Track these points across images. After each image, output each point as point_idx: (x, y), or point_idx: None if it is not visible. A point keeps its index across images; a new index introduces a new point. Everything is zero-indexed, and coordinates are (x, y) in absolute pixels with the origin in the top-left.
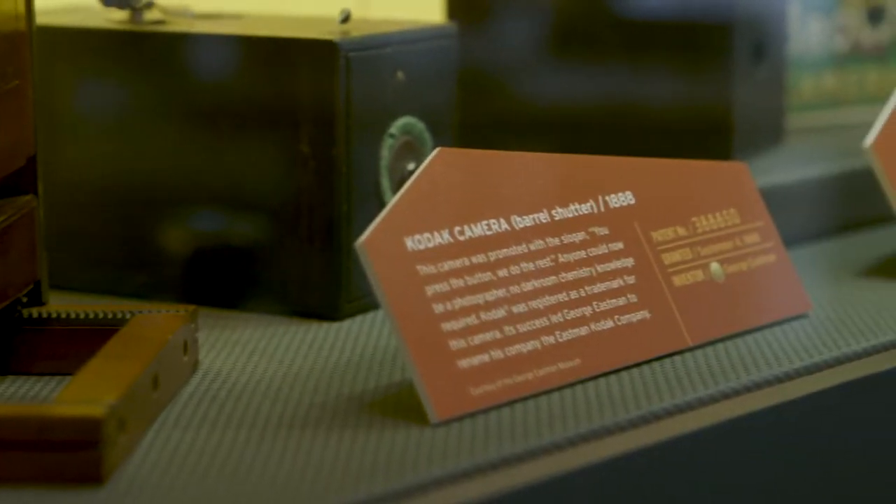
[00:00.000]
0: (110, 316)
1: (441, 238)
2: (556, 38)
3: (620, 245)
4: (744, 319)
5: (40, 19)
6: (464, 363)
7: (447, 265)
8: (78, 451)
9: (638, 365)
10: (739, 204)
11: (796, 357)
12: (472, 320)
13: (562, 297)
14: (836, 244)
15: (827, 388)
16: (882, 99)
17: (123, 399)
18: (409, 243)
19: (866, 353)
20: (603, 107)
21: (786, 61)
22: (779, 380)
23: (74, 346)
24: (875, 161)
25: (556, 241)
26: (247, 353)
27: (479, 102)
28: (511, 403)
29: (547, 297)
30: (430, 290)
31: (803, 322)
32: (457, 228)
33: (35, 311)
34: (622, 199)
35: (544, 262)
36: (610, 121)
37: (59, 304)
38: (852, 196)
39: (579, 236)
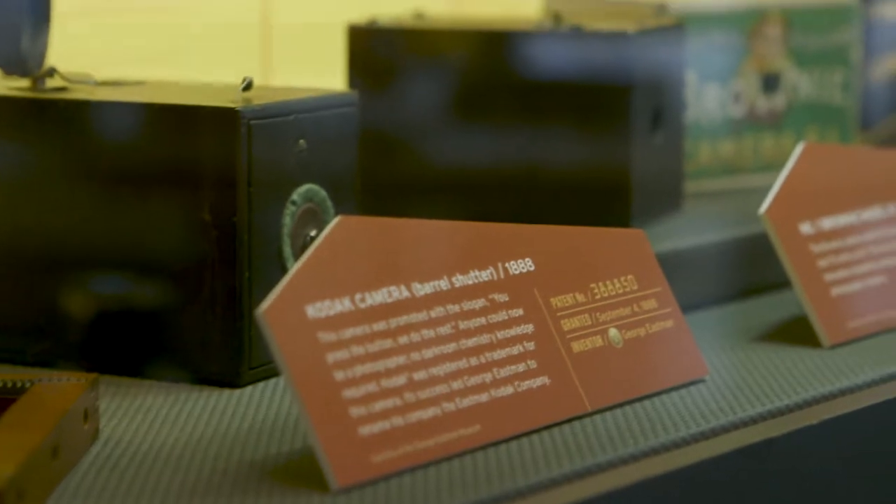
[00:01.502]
0: (10, 385)
1: (342, 306)
2: (459, 101)
3: (520, 312)
4: (642, 384)
5: None
6: (364, 430)
7: (348, 333)
8: None
9: (538, 431)
10: (637, 270)
11: (693, 422)
12: (372, 387)
13: (462, 363)
14: (733, 309)
15: (724, 452)
16: (777, 166)
17: (22, 469)
18: (310, 311)
19: (762, 418)
20: (504, 170)
21: (683, 128)
22: (676, 445)
23: None
24: (770, 228)
25: (457, 308)
26: (148, 420)
27: (383, 166)
28: (412, 470)
29: (447, 364)
30: (331, 357)
31: (700, 387)
32: (358, 296)
33: None
34: (522, 265)
35: (445, 329)
36: (511, 183)
37: None
38: (749, 262)
39: (479, 303)
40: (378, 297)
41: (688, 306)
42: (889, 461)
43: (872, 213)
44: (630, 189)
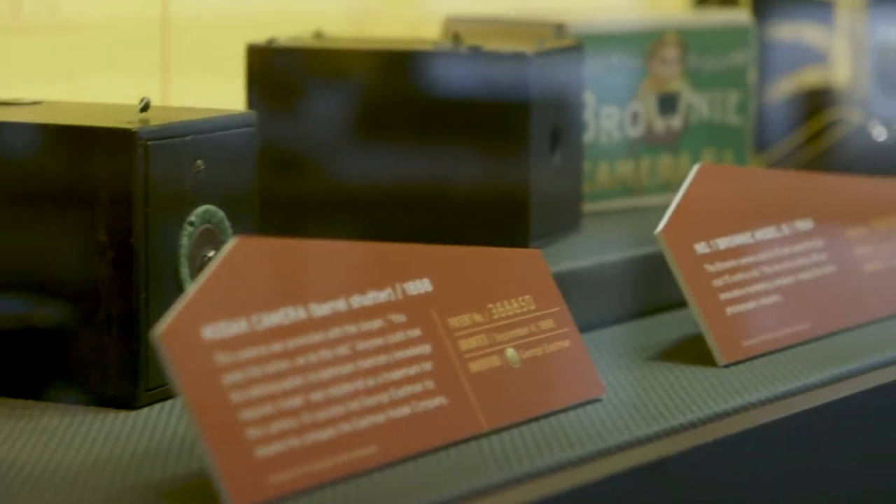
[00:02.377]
0: None
1: (239, 327)
2: (359, 120)
3: (418, 332)
4: (539, 404)
5: None
6: (261, 452)
7: (245, 354)
8: None
9: (435, 450)
10: (535, 290)
11: (589, 441)
12: (269, 409)
13: (359, 384)
14: (630, 328)
15: (619, 471)
16: (675, 186)
17: None
18: (206, 333)
19: (657, 437)
20: (405, 189)
21: (582, 148)
22: (572, 463)
23: None
24: (666, 247)
25: (355, 328)
26: (43, 442)
27: (285, 186)
28: (309, 491)
29: (345, 385)
30: (227, 379)
31: (597, 406)
32: (255, 317)
33: None
34: (420, 286)
35: (342, 350)
36: (412, 203)
37: None
38: (646, 281)
39: (377, 324)
40: (275, 318)
41: (586, 326)
42: (781, 479)
43: (766, 232)
44: (529, 209)
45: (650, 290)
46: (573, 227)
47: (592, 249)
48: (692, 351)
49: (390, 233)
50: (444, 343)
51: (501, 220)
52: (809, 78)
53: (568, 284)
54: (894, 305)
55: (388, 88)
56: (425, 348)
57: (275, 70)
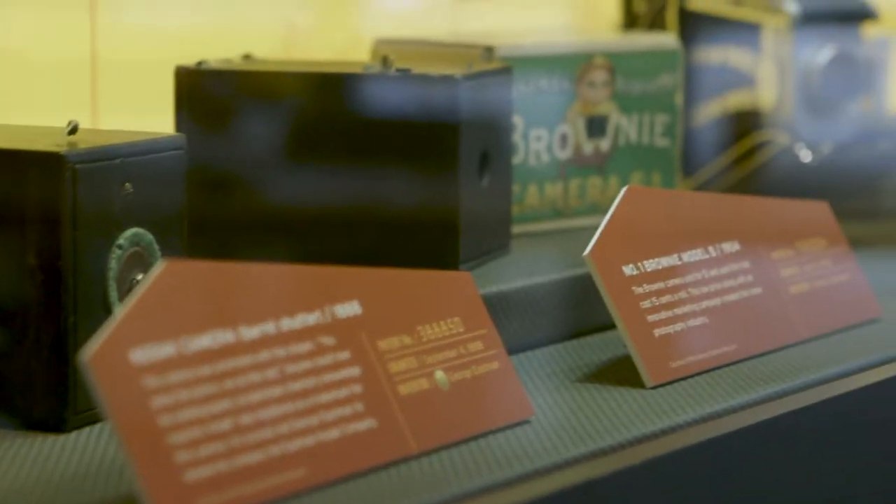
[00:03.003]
0: None
1: (167, 350)
2: (290, 142)
3: (347, 355)
4: (468, 426)
5: None
6: (190, 475)
7: (173, 377)
8: None
9: (365, 473)
10: (463, 312)
11: (517, 462)
12: (197, 432)
13: (288, 407)
14: (559, 350)
15: (548, 492)
16: (603, 208)
17: None
18: (134, 356)
19: (585, 458)
20: (336, 211)
21: (511, 171)
22: (501, 485)
23: None
24: (594, 269)
25: (284, 351)
26: None
27: (215, 208)
28: None
29: (274, 408)
30: (156, 402)
31: (526, 427)
32: (183, 340)
33: None
34: (349, 309)
35: (271, 373)
36: (343, 224)
37: None
38: (575, 303)
39: (306, 347)
40: (204, 341)
41: (515, 347)
42: (708, 500)
43: (694, 254)
44: (459, 231)
45: (579, 311)
46: (503, 248)
47: (522, 271)
48: (621, 372)
49: (321, 255)
50: (373, 366)
51: (431, 242)
52: (737, 101)
53: (498, 306)
54: (819, 326)
55: (318, 111)
56: (354, 371)
57: (204, 92)
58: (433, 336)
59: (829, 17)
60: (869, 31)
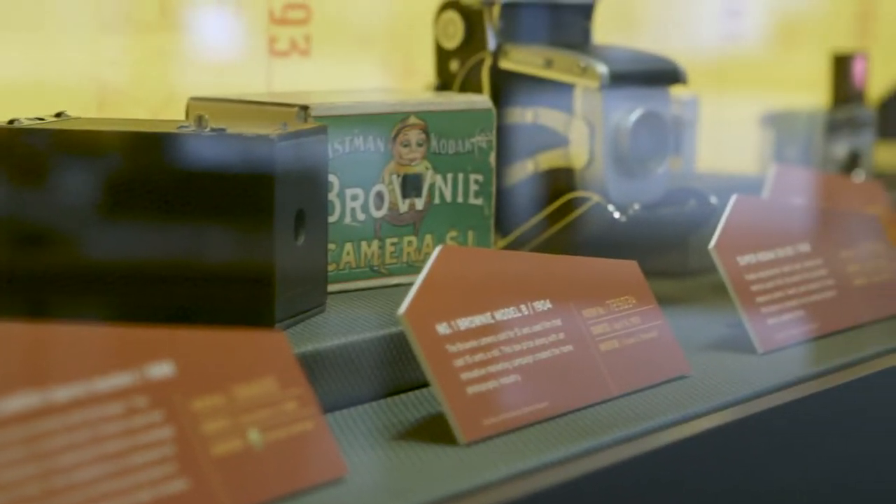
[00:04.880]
0: None
1: None
2: (104, 200)
3: (159, 416)
4: (283, 485)
5: None
6: None
7: None
8: None
9: None
10: (278, 372)
11: None
12: (4, 498)
13: (100, 470)
14: (375, 408)
15: None
16: (419, 267)
17: None
18: None
19: None
20: (152, 270)
21: (327, 229)
22: None
23: None
24: (408, 328)
25: (95, 413)
26: None
27: (29, 267)
28: None
29: (84, 471)
30: None
31: (339, 487)
32: None
33: None
34: (162, 369)
35: (82, 436)
36: (159, 283)
37: None
38: (391, 361)
39: (118, 408)
40: (13, 403)
41: (331, 406)
42: None
43: (507, 313)
44: (274, 289)
45: (395, 369)
46: (319, 307)
47: (338, 330)
48: (435, 429)
49: (136, 312)
50: (185, 426)
51: (247, 301)
52: (549, 160)
53: (314, 364)
54: (629, 383)
55: (132, 170)
56: (167, 432)
57: (16, 150)
58: (247, 396)
59: (638, 78)
60: (677, 91)
